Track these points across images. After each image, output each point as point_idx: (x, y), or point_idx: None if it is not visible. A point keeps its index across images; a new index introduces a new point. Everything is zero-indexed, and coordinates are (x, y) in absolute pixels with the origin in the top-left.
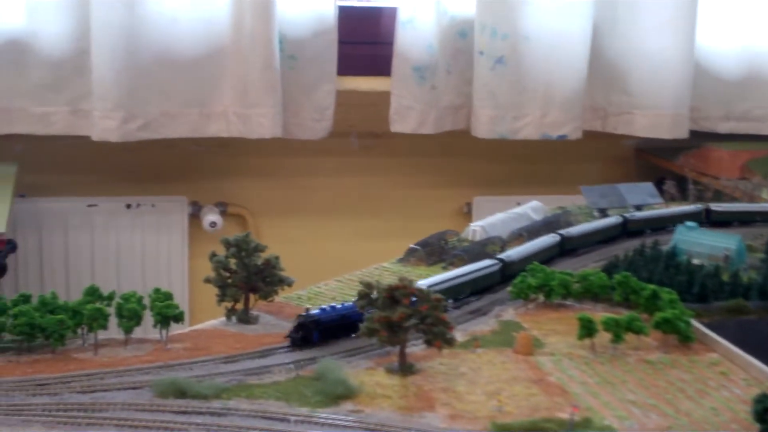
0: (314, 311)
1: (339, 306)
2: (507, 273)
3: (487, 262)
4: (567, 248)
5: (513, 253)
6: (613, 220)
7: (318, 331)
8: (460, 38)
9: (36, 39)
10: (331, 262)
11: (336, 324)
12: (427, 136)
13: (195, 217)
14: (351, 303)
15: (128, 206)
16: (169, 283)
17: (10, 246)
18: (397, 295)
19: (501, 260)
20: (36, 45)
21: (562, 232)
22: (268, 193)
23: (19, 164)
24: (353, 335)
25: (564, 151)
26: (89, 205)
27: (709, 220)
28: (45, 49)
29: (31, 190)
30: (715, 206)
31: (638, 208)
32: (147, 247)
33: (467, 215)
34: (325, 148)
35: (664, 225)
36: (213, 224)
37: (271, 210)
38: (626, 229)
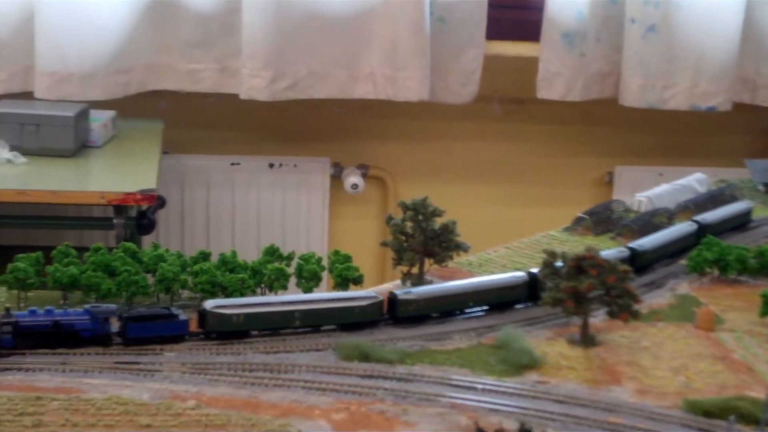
0: (19, 313)
1: (59, 311)
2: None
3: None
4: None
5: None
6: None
7: (12, 336)
8: (610, 5)
9: None
10: (472, 227)
11: (47, 331)
12: (570, 103)
13: (336, 178)
14: (82, 310)
15: (271, 165)
16: (308, 243)
17: (160, 202)
18: (584, 265)
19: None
20: (186, 1)
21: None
22: (408, 156)
23: (163, 121)
24: None
25: (707, 123)
26: (232, 164)
27: None
28: (195, 6)
29: (174, 147)
30: None
31: None
32: (288, 207)
33: (608, 184)
34: (467, 112)
35: None
36: (355, 186)
37: (412, 173)
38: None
